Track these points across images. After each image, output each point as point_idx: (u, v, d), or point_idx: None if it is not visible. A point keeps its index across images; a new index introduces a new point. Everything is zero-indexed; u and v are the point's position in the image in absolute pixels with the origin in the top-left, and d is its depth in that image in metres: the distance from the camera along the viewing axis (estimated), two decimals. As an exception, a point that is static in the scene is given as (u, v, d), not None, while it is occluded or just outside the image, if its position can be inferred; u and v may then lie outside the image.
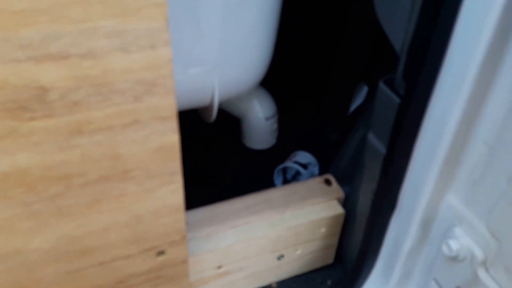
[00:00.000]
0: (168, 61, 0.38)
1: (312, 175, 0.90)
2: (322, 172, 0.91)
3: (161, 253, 0.52)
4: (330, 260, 0.75)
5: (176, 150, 0.44)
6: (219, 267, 0.64)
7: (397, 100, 0.50)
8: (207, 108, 0.74)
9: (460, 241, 0.52)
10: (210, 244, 0.62)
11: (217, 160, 0.95)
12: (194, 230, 0.62)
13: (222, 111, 0.91)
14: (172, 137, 0.43)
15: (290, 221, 0.65)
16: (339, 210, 0.68)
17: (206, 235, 0.63)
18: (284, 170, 0.91)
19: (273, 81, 0.86)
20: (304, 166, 0.90)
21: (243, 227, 0.64)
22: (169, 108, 0.41)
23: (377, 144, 0.55)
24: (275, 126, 0.95)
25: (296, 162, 0.89)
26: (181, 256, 0.54)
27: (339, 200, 0.70)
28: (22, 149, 0.37)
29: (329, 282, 0.74)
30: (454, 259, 0.49)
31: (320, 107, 0.98)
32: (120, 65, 0.36)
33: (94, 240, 0.46)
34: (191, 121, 0.95)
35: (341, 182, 0.73)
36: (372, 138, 0.56)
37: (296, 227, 0.66)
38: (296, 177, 0.92)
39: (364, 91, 0.95)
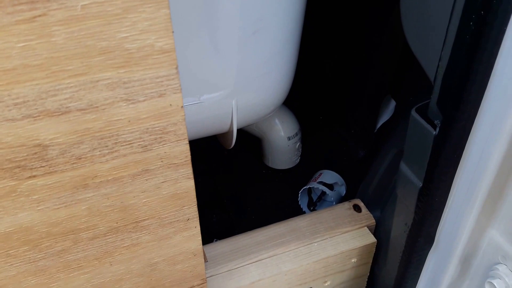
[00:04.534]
0: (179, 108, 0.34)
1: (339, 196, 0.85)
2: (349, 191, 0.87)
3: (180, 299, 0.49)
4: (361, 289, 0.71)
5: (192, 195, 0.41)
6: (243, 305, 0.60)
7: (432, 130, 0.46)
8: (225, 135, 0.70)
9: (505, 280, 0.47)
10: (233, 282, 0.58)
11: (237, 181, 0.91)
12: (214, 266, 0.59)
13: (241, 130, 0.87)
14: (186, 183, 0.40)
15: (318, 253, 0.61)
16: (370, 239, 0.64)
17: (228, 271, 0.59)
18: (309, 191, 0.87)
19: (294, 98, 0.82)
20: (330, 186, 0.85)
21: (268, 261, 0.60)
22: (182, 155, 0.37)
23: (411, 175, 0.51)
24: (298, 145, 0.90)
25: (321, 182, 0.85)
26: (202, 300, 0.51)
27: (369, 227, 0.66)
28: (23, 208, 0.34)
29: (360, 314, 0.69)
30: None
31: (346, 123, 0.93)
32: (125, 116, 0.33)
33: (107, 291, 0.44)
34: (208, 141, 0.91)
35: (370, 206, 0.69)
36: (405, 168, 0.51)
37: (325, 259, 0.61)
38: (322, 197, 0.87)
39: (391, 105, 0.90)
